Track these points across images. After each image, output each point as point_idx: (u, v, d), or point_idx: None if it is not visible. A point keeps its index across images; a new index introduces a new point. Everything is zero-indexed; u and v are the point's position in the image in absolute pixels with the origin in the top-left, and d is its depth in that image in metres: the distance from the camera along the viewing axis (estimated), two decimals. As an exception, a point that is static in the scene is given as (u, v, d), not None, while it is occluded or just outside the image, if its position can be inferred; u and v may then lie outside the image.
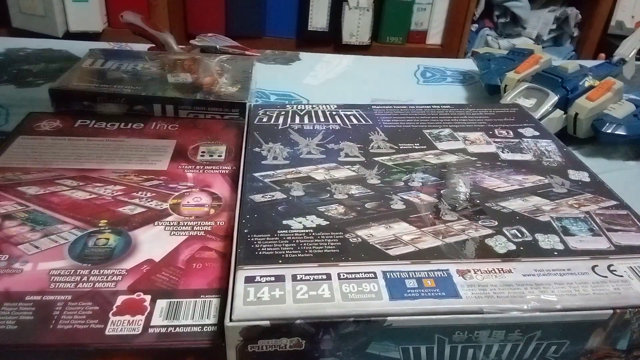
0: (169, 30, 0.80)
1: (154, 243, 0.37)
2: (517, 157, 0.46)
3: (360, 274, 0.32)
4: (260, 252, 0.34)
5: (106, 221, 0.39)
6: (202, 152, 0.49)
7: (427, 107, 0.56)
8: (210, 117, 0.56)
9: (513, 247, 0.35)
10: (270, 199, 0.39)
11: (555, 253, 0.35)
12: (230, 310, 0.30)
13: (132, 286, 0.33)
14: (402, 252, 0.34)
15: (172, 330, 0.30)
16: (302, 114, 0.53)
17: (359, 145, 0.47)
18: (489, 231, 0.36)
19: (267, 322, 0.30)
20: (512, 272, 0.33)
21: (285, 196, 0.39)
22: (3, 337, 0.29)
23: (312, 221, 0.36)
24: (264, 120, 0.52)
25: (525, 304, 0.31)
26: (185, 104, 0.56)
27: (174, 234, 0.38)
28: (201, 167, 0.46)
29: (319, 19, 1.64)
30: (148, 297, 0.32)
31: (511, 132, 0.51)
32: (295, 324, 0.31)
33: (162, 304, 0.32)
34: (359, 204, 0.38)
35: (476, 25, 1.84)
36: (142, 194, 0.42)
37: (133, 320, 0.31)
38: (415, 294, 0.32)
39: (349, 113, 0.53)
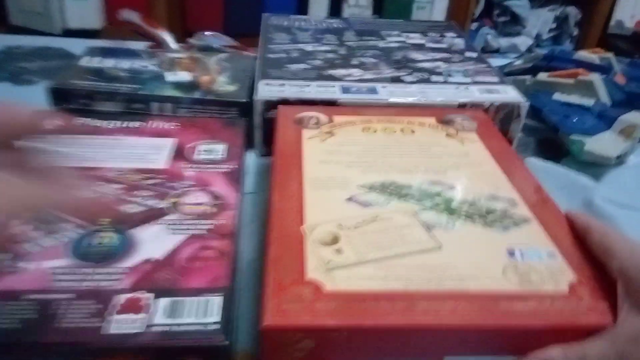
0: (167, 28, 0.80)
1: (154, 242, 0.37)
2: (436, 45, 0.73)
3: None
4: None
5: (107, 220, 0.38)
6: (202, 150, 0.48)
7: (388, 21, 0.83)
8: (209, 116, 0.56)
9: (416, 79, 0.61)
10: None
11: (439, 82, 0.61)
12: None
13: (134, 284, 0.33)
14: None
15: (175, 329, 0.30)
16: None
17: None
18: (406, 72, 0.63)
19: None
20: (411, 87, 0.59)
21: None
22: (6, 335, 0.29)
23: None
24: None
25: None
26: (184, 103, 0.56)
27: (174, 233, 0.38)
28: (200, 166, 0.46)
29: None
30: (150, 296, 0.32)
31: (438, 34, 0.78)
32: (290, 101, 0.53)
33: (164, 302, 0.32)
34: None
35: (476, 23, 1.84)
36: (142, 192, 0.42)
37: (135, 319, 0.31)
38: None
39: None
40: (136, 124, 0.52)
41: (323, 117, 0.51)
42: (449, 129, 0.51)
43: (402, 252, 0.34)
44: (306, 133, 0.48)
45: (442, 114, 0.54)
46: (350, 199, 0.39)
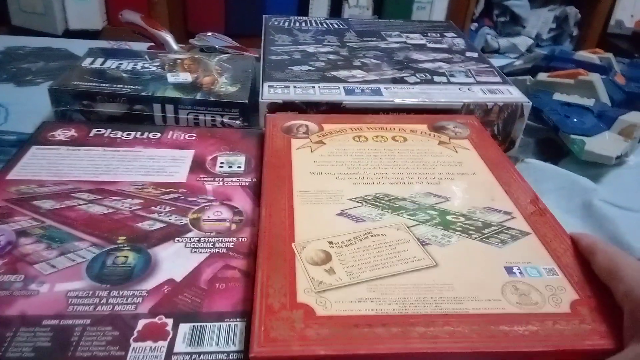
0: (168, 29, 0.80)
1: (174, 261, 0.35)
2: (437, 45, 0.74)
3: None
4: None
5: (125, 238, 0.37)
6: (221, 163, 0.47)
7: (387, 21, 0.84)
8: (210, 117, 0.56)
9: (419, 80, 0.61)
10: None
11: (442, 83, 0.61)
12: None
13: (153, 309, 0.31)
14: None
15: (197, 358, 0.29)
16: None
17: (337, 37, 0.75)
18: (409, 73, 0.62)
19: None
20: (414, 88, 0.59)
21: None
22: None
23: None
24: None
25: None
26: (185, 104, 0.56)
27: (195, 252, 0.36)
28: (220, 179, 0.45)
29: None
30: (170, 321, 0.31)
31: (438, 34, 0.78)
32: (295, 103, 0.52)
33: (185, 328, 0.30)
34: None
35: (476, 24, 1.84)
36: (161, 208, 0.40)
37: (155, 347, 0.29)
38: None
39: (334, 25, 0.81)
40: (155, 134, 0.50)
41: (312, 126, 0.50)
42: (441, 136, 0.50)
43: (396, 271, 0.33)
44: (295, 143, 0.47)
45: (434, 120, 0.52)
46: (341, 214, 0.38)
